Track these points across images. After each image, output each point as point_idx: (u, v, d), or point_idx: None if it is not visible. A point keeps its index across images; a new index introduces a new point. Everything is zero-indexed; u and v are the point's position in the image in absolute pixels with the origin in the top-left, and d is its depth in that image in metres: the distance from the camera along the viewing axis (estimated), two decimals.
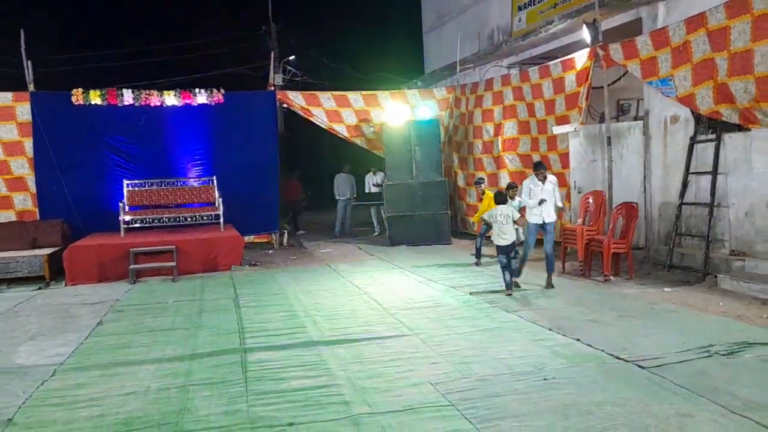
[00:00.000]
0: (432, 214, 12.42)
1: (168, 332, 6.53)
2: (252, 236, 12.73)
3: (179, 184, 12.21)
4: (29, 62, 11.53)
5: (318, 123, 13.58)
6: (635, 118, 10.94)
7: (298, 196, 16.44)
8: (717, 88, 7.39)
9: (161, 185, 12.03)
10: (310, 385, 4.74)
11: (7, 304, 8.21)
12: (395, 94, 13.99)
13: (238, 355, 5.60)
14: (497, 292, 7.76)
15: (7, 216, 11.36)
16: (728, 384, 4.42)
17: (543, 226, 8.04)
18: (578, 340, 5.65)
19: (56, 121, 11.62)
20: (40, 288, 9.35)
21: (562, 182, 10.11)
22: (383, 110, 13.44)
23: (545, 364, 5.02)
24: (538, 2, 12.58)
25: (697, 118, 8.50)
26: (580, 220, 9.38)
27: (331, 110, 13.39)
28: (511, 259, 7.66)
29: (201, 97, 12.38)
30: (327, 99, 13.41)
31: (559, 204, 8.28)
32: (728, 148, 8.14)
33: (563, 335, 5.83)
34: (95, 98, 11.86)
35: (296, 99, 13.35)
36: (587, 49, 9.63)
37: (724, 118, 7.56)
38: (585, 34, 9.61)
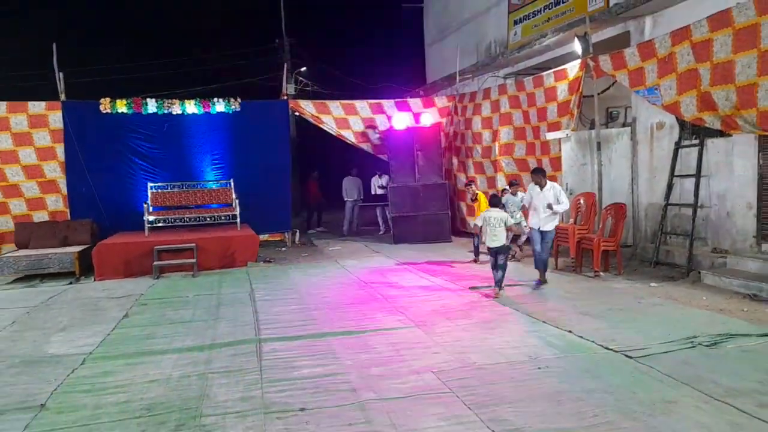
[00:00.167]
0: (433, 214, 12.40)
1: (188, 324, 6.54)
2: (266, 235, 12.75)
3: (199, 186, 12.22)
4: (61, 74, 11.57)
5: (327, 129, 13.57)
6: (623, 125, 10.88)
7: (318, 197, 16.45)
8: (700, 97, 7.36)
9: (182, 187, 12.04)
10: (320, 373, 4.74)
11: (41, 298, 8.25)
12: (399, 102, 13.98)
13: (254, 345, 5.61)
14: (492, 286, 7.73)
15: (40, 216, 11.41)
16: (711, 373, 4.40)
17: (542, 233, 7.81)
18: (570, 331, 5.63)
19: (85, 128, 11.65)
20: (70, 283, 9.38)
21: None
22: (388, 117, 13.42)
23: (539, 354, 5.00)
24: (533, 17, 12.54)
25: (682, 124, 8.46)
26: (571, 220, 9.35)
27: (340, 118, 13.39)
28: (501, 260, 7.39)
29: (219, 106, 12.41)
30: (336, 107, 13.41)
31: (558, 209, 7.75)
32: (711, 153, 8.11)
33: (556, 327, 5.81)
34: (121, 107, 11.90)
35: (307, 107, 13.35)
36: (578, 61, 9.60)
37: (707, 125, 7.51)
38: (576, 47, 9.58)
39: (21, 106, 11.34)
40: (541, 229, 7.79)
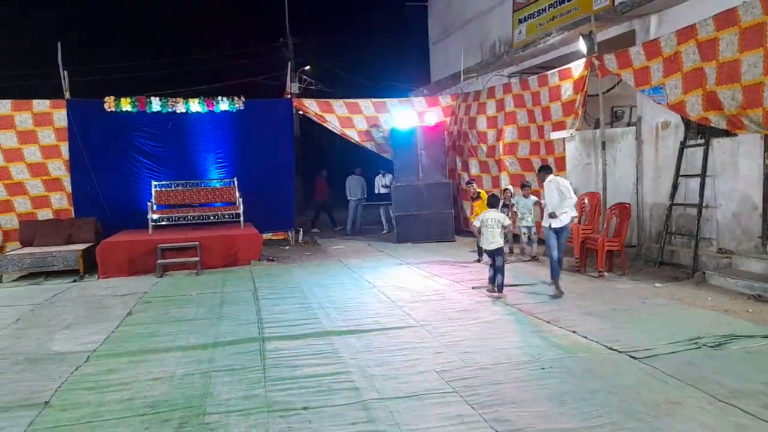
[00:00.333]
0: (437, 213, 12.40)
1: (192, 322, 6.55)
2: (270, 233, 12.76)
3: (203, 185, 12.25)
4: (65, 72, 11.60)
5: (331, 128, 13.57)
6: (628, 124, 10.86)
7: (326, 196, 16.46)
8: (706, 96, 7.33)
9: (186, 186, 12.08)
10: (323, 372, 4.74)
11: (45, 295, 8.28)
12: (403, 101, 13.97)
13: (257, 343, 5.61)
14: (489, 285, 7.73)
15: (45, 214, 11.45)
16: (715, 374, 4.39)
17: (553, 231, 7.45)
18: (574, 331, 5.62)
19: (90, 126, 11.69)
20: (74, 280, 9.41)
21: None
22: (392, 116, 13.41)
23: (543, 354, 5.00)
24: (538, 15, 12.51)
25: (687, 124, 8.43)
26: (576, 220, 9.32)
27: (344, 116, 13.39)
28: (499, 262, 7.27)
29: (223, 105, 12.42)
30: (340, 106, 13.41)
31: (557, 211, 7.30)
32: (716, 153, 8.07)
33: (560, 327, 5.80)
34: (126, 105, 11.92)
35: (311, 106, 13.36)
36: (583, 59, 9.57)
37: (712, 124, 7.48)
38: (581, 46, 9.56)
39: (26, 104, 11.37)
40: (552, 226, 7.42)
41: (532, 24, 12.69)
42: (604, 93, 9.73)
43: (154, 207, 11.30)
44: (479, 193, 10.44)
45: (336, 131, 13.59)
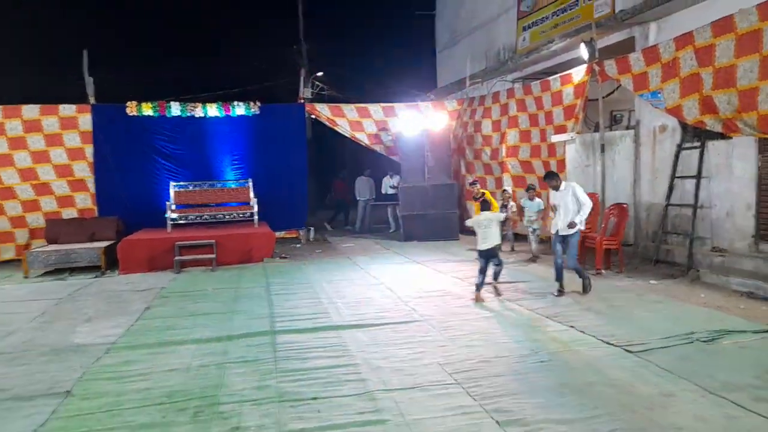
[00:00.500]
0: (442, 213, 12.38)
1: (207, 316, 6.59)
2: (282, 232, 12.82)
3: (219, 185, 12.31)
4: (90, 78, 11.71)
5: (342, 132, 13.60)
6: (627, 128, 10.78)
7: (346, 195, 16.46)
8: (702, 100, 7.27)
9: (203, 187, 12.14)
10: (332, 365, 4.76)
11: (69, 290, 8.36)
12: (411, 105, 13.96)
13: (269, 337, 5.64)
14: (500, 284, 7.70)
15: (69, 213, 11.57)
16: (708, 367, 4.37)
17: (563, 238, 7.03)
18: (572, 326, 5.61)
19: (113, 130, 11.80)
20: (96, 276, 9.49)
21: None
22: (400, 120, 13.41)
23: (542, 348, 4.99)
24: (541, 23, 12.46)
25: (684, 127, 8.36)
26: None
27: (354, 120, 13.41)
28: (493, 264, 7.03)
29: (239, 109, 12.50)
30: (350, 110, 13.43)
31: (580, 216, 6.88)
32: (711, 155, 8.01)
33: (559, 322, 5.79)
34: (147, 110, 12.03)
35: (323, 110, 13.39)
36: (584, 65, 9.53)
37: (708, 128, 7.43)
38: (582, 52, 9.51)
39: (52, 108, 11.49)
40: (560, 233, 7.05)
41: (536, 31, 12.65)
42: (603, 97, 9.68)
43: (173, 206, 11.37)
44: (483, 193, 10.39)
45: (347, 135, 13.61)
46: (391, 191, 14.40)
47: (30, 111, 11.30)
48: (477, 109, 13.14)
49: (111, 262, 9.92)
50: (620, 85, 9.21)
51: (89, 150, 11.67)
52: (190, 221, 11.39)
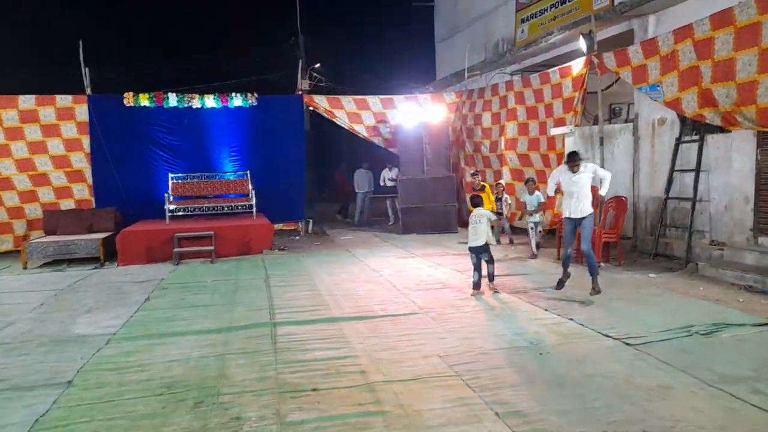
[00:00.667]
0: (441, 206, 12.39)
1: (207, 308, 6.59)
2: (281, 224, 12.78)
3: (217, 177, 12.28)
4: (86, 68, 11.64)
5: (340, 124, 13.55)
6: (626, 121, 10.79)
7: (347, 188, 16.43)
8: (701, 94, 7.27)
9: (201, 178, 12.11)
10: (332, 356, 4.77)
11: (68, 281, 8.35)
12: (409, 97, 13.92)
13: (269, 328, 5.64)
14: (497, 275, 7.72)
15: (67, 204, 11.52)
16: (706, 360, 4.39)
17: (577, 222, 6.62)
18: (571, 319, 5.62)
19: (110, 120, 11.72)
20: (95, 268, 9.47)
21: None
22: (398, 112, 13.38)
23: (541, 341, 5.00)
24: (539, 15, 12.42)
25: (683, 120, 8.37)
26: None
27: (352, 112, 13.37)
28: (484, 261, 6.89)
29: (237, 100, 12.43)
30: (348, 102, 13.38)
31: (601, 192, 6.75)
32: (710, 148, 8.02)
33: (558, 315, 5.81)
34: (144, 101, 11.96)
35: (321, 102, 13.34)
36: (583, 58, 9.51)
37: (707, 121, 7.44)
38: (581, 44, 9.49)
39: (49, 99, 11.41)
40: (572, 216, 6.63)
41: (534, 23, 12.61)
42: (602, 90, 9.67)
43: (171, 198, 11.34)
44: (484, 186, 10.39)
45: (345, 126, 13.57)
46: (389, 184, 14.38)
47: (26, 101, 11.23)
48: (477, 101, 13.11)
49: (109, 253, 9.90)
50: (619, 77, 9.20)
51: (86, 141, 11.60)
52: (189, 213, 11.37)
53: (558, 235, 9.21)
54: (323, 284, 7.66)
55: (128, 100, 11.87)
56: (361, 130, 13.47)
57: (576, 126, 9.83)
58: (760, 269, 6.90)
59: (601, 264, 8.24)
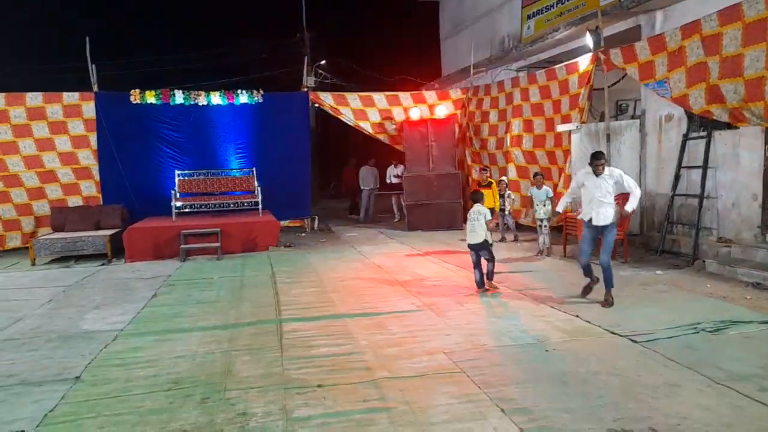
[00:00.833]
0: (446, 203, 12.37)
1: (213, 304, 6.62)
2: (287, 221, 12.83)
3: (223, 174, 12.31)
4: (93, 66, 11.68)
5: (346, 121, 13.55)
6: (632, 117, 10.72)
7: (356, 184, 16.40)
8: (709, 90, 7.22)
9: (208, 175, 12.13)
10: (337, 352, 4.78)
11: (75, 278, 8.40)
12: (415, 94, 13.90)
13: (274, 324, 5.66)
14: (502, 272, 7.72)
15: (75, 201, 11.58)
16: (713, 358, 4.36)
17: (600, 230, 6.11)
18: (577, 316, 5.61)
19: (117, 117, 11.77)
20: (103, 264, 9.52)
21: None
22: (404, 109, 13.37)
23: (546, 338, 4.99)
24: (546, 11, 12.36)
25: (690, 117, 8.31)
26: (580, 209, 9.25)
27: (358, 109, 13.35)
28: (484, 258, 6.79)
29: (243, 97, 12.45)
30: (354, 99, 13.37)
31: (627, 207, 6.13)
32: (718, 145, 7.96)
33: (563, 312, 5.79)
34: (151, 98, 12.00)
35: (326, 99, 13.33)
36: (590, 54, 9.47)
37: (714, 117, 7.39)
38: (588, 40, 9.44)
39: (56, 96, 11.47)
40: (593, 223, 6.13)
41: (541, 19, 12.55)
42: (609, 87, 9.61)
43: (178, 195, 11.38)
44: (491, 182, 10.34)
45: (350, 123, 13.56)
46: (395, 180, 14.39)
47: (34, 99, 11.29)
48: (484, 98, 13.07)
49: (117, 250, 9.94)
50: (626, 74, 9.15)
51: (93, 138, 11.66)
52: (195, 210, 11.40)
53: (564, 233, 9.20)
54: (329, 281, 7.67)
55: (135, 97, 11.92)
56: (366, 127, 13.46)
57: (582, 122, 9.79)
58: None
59: None
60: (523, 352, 4.65)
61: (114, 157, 11.65)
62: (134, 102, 11.90)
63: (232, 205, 11.65)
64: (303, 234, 12.54)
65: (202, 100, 12.25)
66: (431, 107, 13.43)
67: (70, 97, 11.55)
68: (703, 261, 7.67)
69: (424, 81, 18.45)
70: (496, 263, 6.97)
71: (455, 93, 14.15)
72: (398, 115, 13.39)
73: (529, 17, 13.04)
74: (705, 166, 8.03)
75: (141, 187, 11.85)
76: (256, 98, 12.49)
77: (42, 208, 11.36)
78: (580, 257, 6.27)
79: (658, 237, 8.82)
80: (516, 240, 10.45)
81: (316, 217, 13.47)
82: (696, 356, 4.40)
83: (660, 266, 7.92)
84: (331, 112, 13.48)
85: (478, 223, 6.72)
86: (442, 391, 3.93)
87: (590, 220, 6.14)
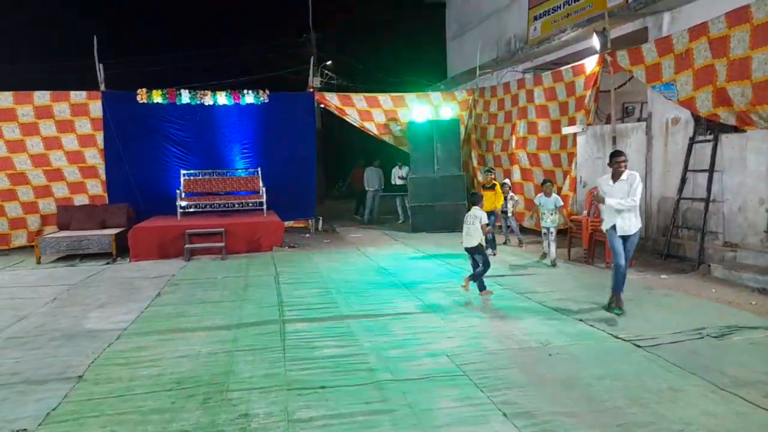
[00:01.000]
0: (451, 204, 12.34)
1: (217, 304, 6.63)
2: (291, 221, 12.84)
3: (228, 174, 12.34)
4: (101, 65, 11.74)
5: (351, 121, 13.54)
6: (639, 120, 10.69)
7: (362, 184, 16.36)
8: (716, 93, 7.18)
9: (213, 175, 12.18)
10: (340, 354, 4.78)
11: (80, 277, 8.43)
12: (420, 95, 13.89)
13: (278, 325, 5.67)
14: (506, 276, 7.70)
15: (81, 200, 11.64)
16: (718, 363, 4.34)
17: (625, 238, 5.80)
18: (581, 320, 5.59)
19: (123, 117, 11.82)
20: (107, 263, 9.56)
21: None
22: (409, 110, 13.36)
23: (550, 341, 4.97)
24: (552, 12, 12.34)
25: (697, 120, 8.27)
26: (585, 212, 9.21)
27: (363, 110, 13.36)
28: (480, 260, 6.69)
29: (249, 97, 12.48)
30: (359, 100, 13.37)
31: (609, 201, 5.73)
32: (725, 148, 7.92)
33: (567, 315, 5.77)
34: (157, 97, 12.05)
35: (332, 100, 13.34)
36: (596, 56, 9.43)
37: (721, 120, 7.34)
38: (595, 42, 9.41)
39: (64, 95, 11.53)
40: (619, 233, 5.78)
41: (547, 21, 12.52)
42: (615, 89, 9.57)
43: (183, 195, 11.41)
44: (494, 184, 10.29)
45: (356, 124, 13.56)
46: (399, 182, 14.39)
47: (41, 97, 11.35)
48: (491, 100, 13.05)
49: (122, 249, 9.98)
50: (632, 76, 9.11)
51: (100, 137, 11.71)
52: (200, 209, 11.43)
53: (569, 236, 9.17)
54: (332, 282, 7.67)
55: (141, 96, 11.97)
56: (371, 127, 13.46)
57: (588, 125, 9.76)
58: None
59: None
60: (527, 356, 4.63)
61: (120, 157, 11.70)
62: (141, 101, 11.95)
63: (236, 205, 11.68)
64: (307, 235, 12.55)
65: (208, 100, 12.29)
66: (436, 108, 13.41)
67: (78, 96, 11.61)
68: (709, 265, 7.63)
69: (430, 82, 18.46)
70: (492, 266, 6.91)
71: (461, 94, 14.13)
72: (403, 116, 13.38)
73: (535, 18, 13.01)
74: (711, 170, 7.99)
75: (147, 186, 11.90)
76: (262, 98, 12.52)
77: (48, 206, 11.42)
78: (618, 259, 5.76)
79: (663, 241, 8.79)
80: (520, 244, 10.33)
81: (321, 218, 13.48)
82: (700, 362, 4.38)
83: (665, 270, 7.88)
84: (336, 112, 13.48)
85: (474, 227, 6.66)
86: (445, 394, 3.92)
87: (614, 227, 5.80)
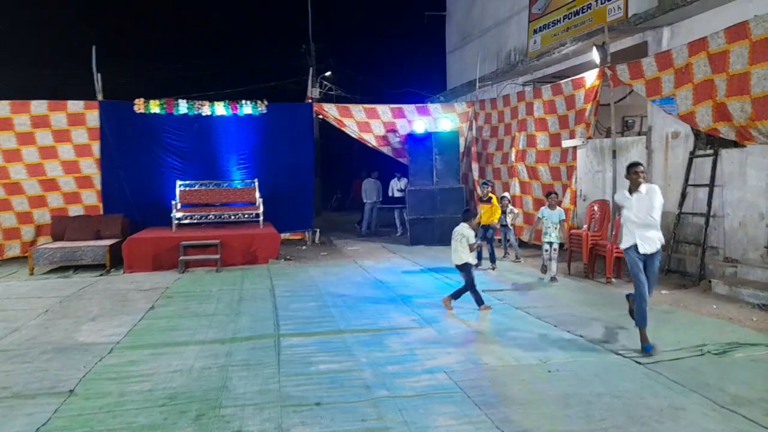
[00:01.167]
0: (450, 217, 12.26)
1: (211, 317, 6.59)
2: (288, 233, 12.81)
3: (225, 185, 12.32)
4: (98, 74, 11.78)
5: (349, 133, 13.56)
6: (639, 134, 10.74)
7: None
8: (716, 107, 7.23)
9: (209, 186, 12.15)
10: (336, 369, 4.75)
11: (73, 288, 8.39)
12: (420, 107, 13.95)
13: (273, 340, 5.64)
14: (505, 290, 7.69)
15: (76, 210, 11.62)
16: (719, 380, 4.32)
17: (647, 257, 5.24)
18: (581, 336, 5.57)
19: (120, 126, 11.83)
20: (101, 274, 9.52)
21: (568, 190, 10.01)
22: (409, 122, 13.41)
23: (549, 357, 4.95)
24: (552, 26, 12.45)
25: (697, 134, 8.32)
26: (585, 226, 9.24)
27: (362, 121, 13.40)
28: (466, 278, 6.68)
29: (247, 108, 12.51)
30: (358, 111, 13.42)
31: (648, 221, 5.14)
32: (725, 163, 7.95)
33: (567, 331, 5.75)
34: (154, 107, 12.07)
35: (331, 111, 13.38)
36: (596, 70, 9.50)
37: (721, 135, 7.38)
38: (594, 56, 9.49)
39: (61, 104, 11.55)
40: (640, 251, 5.21)
41: (547, 34, 12.63)
42: (615, 103, 9.63)
43: (178, 206, 11.39)
44: (491, 197, 10.30)
45: (354, 135, 13.59)
46: (398, 194, 14.39)
47: (38, 106, 11.37)
48: (491, 113, 13.11)
49: (116, 260, 9.94)
50: (632, 90, 9.18)
51: (96, 147, 11.72)
52: (195, 221, 11.41)
53: (570, 251, 9.17)
54: (329, 295, 7.65)
55: (138, 106, 11.99)
56: (370, 139, 13.50)
57: (588, 138, 9.80)
58: None
59: (612, 280, 8.18)
60: (525, 372, 4.61)
61: (116, 166, 11.71)
62: (138, 111, 11.97)
63: (232, 217, 11.65)
64: (304, 247, 12.53)
65: (205, 110, 12.32)
66: (436, 120, 13.47)
67: (75, 106, 11.63)
68: (710, 281, 7.63)
69: (430, 94, 18.55)
70: (491, 281, 6.91)
71: (460, 106, 14.20)
72: (402, 127, 13.43)
73: (535, 31, 13.12)
74: (712, 185, 8.02)
75: (142, 196, 11.88)
76: (260, 109, 12.55)
77: (43, 216, 11.40)
78: (641, 288, 5.20)
79: (663, 256, 8.77)
80: (517, 259, 10.28)
81: (317, 230, 13.46)
82: (701, 379, 4.36)
83: (665, 286, 7.87)
84: (335, 123, 13.51)
85: (460, 244, 6.66)
86: (442, 412, 3.89)
87: (635, 247, 5.22)
